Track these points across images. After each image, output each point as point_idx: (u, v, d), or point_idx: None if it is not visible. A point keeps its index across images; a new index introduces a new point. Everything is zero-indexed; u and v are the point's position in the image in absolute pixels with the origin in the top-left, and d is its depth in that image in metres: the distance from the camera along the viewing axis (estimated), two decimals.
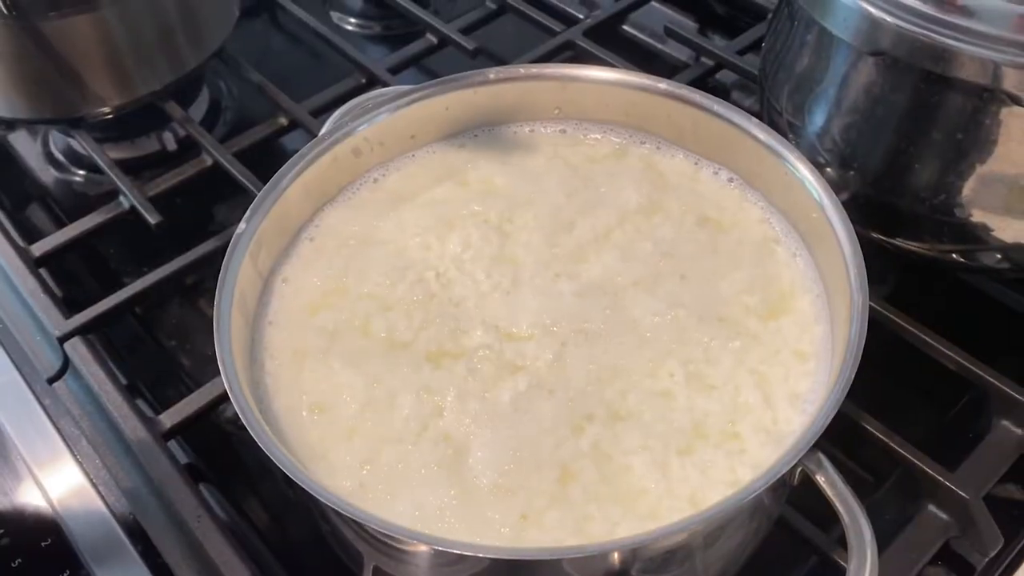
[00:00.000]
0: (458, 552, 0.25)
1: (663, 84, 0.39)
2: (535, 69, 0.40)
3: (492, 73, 0.40)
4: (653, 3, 0.71)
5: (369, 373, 0.33)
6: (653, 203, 0.38)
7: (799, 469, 0.30)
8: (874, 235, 0.48)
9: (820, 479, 0.29)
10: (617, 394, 0.32)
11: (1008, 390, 0.44)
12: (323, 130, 0.38)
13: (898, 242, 0.48)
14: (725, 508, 0.26)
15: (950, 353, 0.46)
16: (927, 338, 0.46)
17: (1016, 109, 0.39)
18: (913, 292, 0.50)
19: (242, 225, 0.33)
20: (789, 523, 0.37)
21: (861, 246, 0.38)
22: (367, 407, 0.32)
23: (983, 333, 0.47)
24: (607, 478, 0.30)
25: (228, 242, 0.51)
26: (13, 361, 0.48)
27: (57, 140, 0.68)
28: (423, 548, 0.29)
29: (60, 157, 0.67)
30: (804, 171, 0.35)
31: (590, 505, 0.29)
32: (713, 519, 0.26)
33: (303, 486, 0.26)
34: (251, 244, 0.33)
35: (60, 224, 0.57)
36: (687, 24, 0.70)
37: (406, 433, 0.31)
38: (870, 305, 0.44)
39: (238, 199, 0.55)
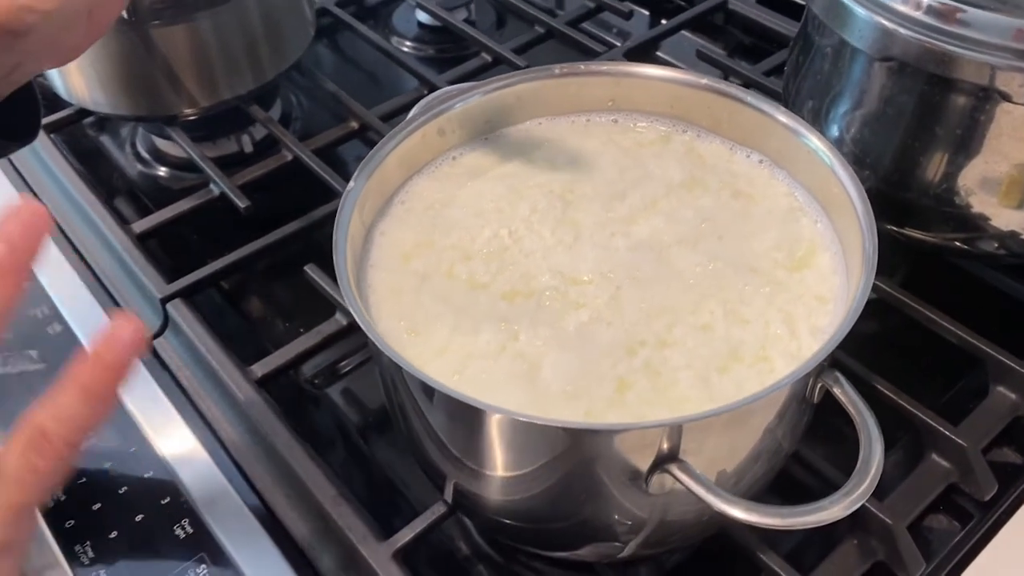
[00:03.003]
0: (540, 423, 0.31)
1: (704, 79, 0.45)
2: (593, 66, 0.47)
3: (556, 69, 0.47)
4: (684, 32, 0.78)
5: (455, 306, 0.39)
6: (694, 179, 0.44)
7: (820, 385, 0.36)
8: (887, 227, 0.54)
9: (837, 391, 0.35)
10: (664, 327, 0.38)
11: (1003, 359, 0.50)
12: (411, 113, 0.45)
13: (908, 232, 0.54)
14: (757, 397, 0.32)
15: (954, 329, 0.51)
16: (934, 316, 0.52)
17: (1007, 106, 0.45)
18: (923, 280, 0.56)
19: (351, 184, 0.40)
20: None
21: (883, 240, 0.44)
22: (455, 331, 0.38)
23: (982, 314, 0.52)
24: (657, 389, 0.36)
25: (308, 225, 0.58)
26: None
27: (141, 139, 0.75)
28: (497, 458, 0.35)
29: (145, 155, 0.74)
30: (824, 149, 0.41)
31: (643, 408, 0.35)
32: (744, 408, 0.32)
33: (416, 375, 0.32)
34: (357, 200, 0.40)
35: (147, 212, 0.64)
36: (717, 51, 0.77)
37: (488, 352, 0.37)
38: (886, 288, 0.51)
39: (314, 190, 0.63)
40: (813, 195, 0.43)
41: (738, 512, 0.32)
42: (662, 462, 0.33)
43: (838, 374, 0.35)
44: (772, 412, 0.34)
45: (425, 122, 0.44)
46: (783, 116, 0.43)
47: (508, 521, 0.42)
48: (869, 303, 0.53)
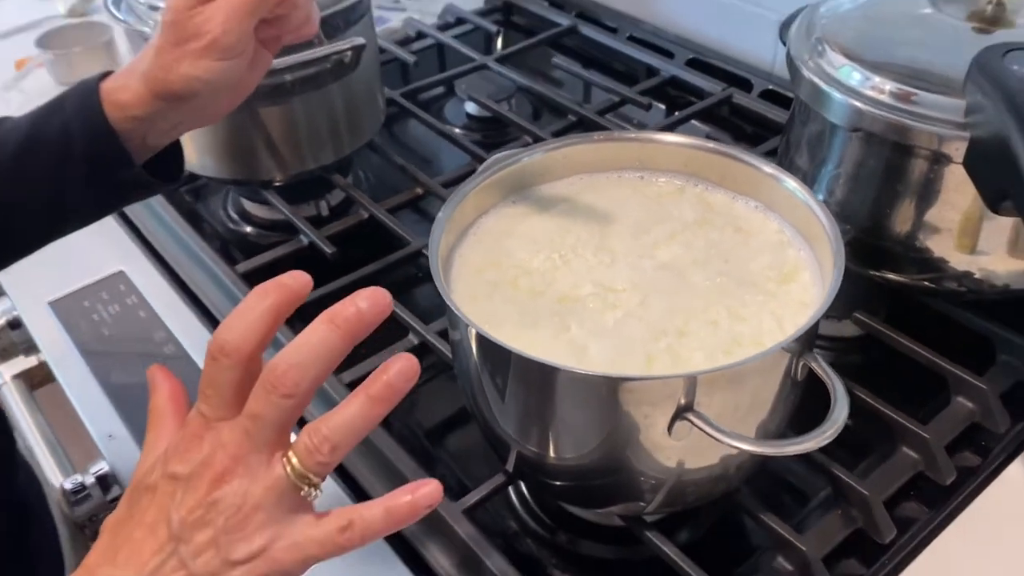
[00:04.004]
0: (592, 374, 0.42)
1: (711, 144, 0.58)
2: (624, 134, 0.60)
3: (595, 135, 0.59)
4: (694, 122, 0.92)
5: (519, 307, 0.50)
6: (704, 219, 0.56)
7: (802, 363, 0.46)
8: (869, 271, 0.65)
9: (814, 366, 0.45)
10: (682, 322, 0.49)
11: (962, 375, 0.60)
12: (481, 167, 0.57)
13: (885, 274, 0.65)
14: (750, 361, 0.43)
15: (923, 353, 0.62)
16: (907, 343, 0.63)
17: (952, 166, 0.57)
18: (899, 316, 0.67)
19: (441, 214, 0.52)
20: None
21: (858, 281, 0.56)
22: (520, 326, 0.49)
23: (946, 341, 0.63)
24: (677, 364, 0.46)
25: (382, 268, 0.70)
26: None
27: (232, 203, 0.88)
28: (556, 413, 0.46)
29: (235, 215, 0.87)
30: (800, 189, 0.53)
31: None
32: (743, 368, 0.43)
33: (498, 342, 0.43)
34: (444, 227, 0.52)
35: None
36: (723, 137, 0.90)
37: (547, 340, 0.48)
38: (869, 323, 0.62)
39: (385, 242, 0.75)
40: (798, 230, 0.54)
41: (741, 444, 0.42)
42: (682, 411, 0.43)
43: (816, 354, 0.46)
44: (765, 375, 0.45)
45: (493, 173, 0.57)
46: (768, 167, 0.55)
47: (558, 483, 0.52)
48: (858, 337, 0.65)
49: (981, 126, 0.54)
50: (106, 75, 0.54)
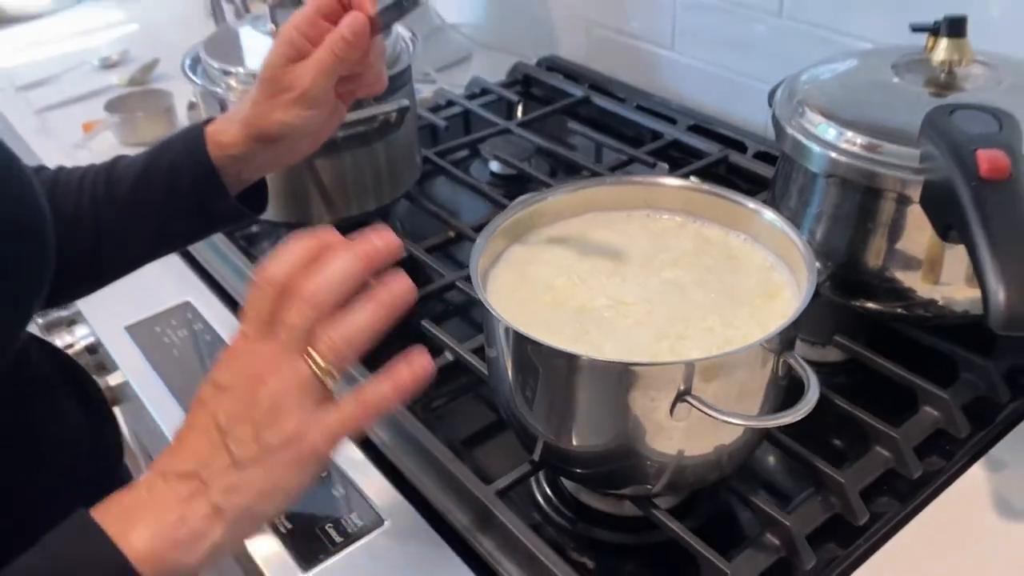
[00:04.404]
0: (606, 360, 0.51)
1: (705, 186, 0.68)
2: (633, 178, 0.70)
3: (608, 180, 0.70)
4: (693, 178, 1.02)
5: (545, 317, 0.60)
6: (701, 249, 0.66)
7: (783, 360, 0.55)
8: (850, 302, 0.75)
9: (792, 362, 0.55)
10: (682, 328, 0.58)
11: (928, 388, 0.69)
12: (511, 205, 0.68)
13: (862, 303, 0.75)
14: (733, 353, 0.52)
15: (895, 370, 0.71)
16: (882, 362, 0.72)
17: (913, 206, 0.67)
18: (876, 340, 0.76)
19: (478, 241, 0.62)
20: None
21: (840, 310, 0.66)
22: (546, 331, 0.58)
23: (916, 361, 0.72)
24: (677, 358, 0.56)
25: (421, 297, 0.80)
26: None
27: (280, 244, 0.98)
28: (577, 399, 0.55)
29: None
30: (777, 220, 0.63)
31: None
32: (726, 360, 0.52)
33: (526, 335, 0.53)
34: (482, 252, 0.61)
35: None
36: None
37: (569, 340, 0.57)
38: (851, 346, 0.71)
39: (423, 276, 0.85)
40: (780, 258, 0.64)
41: (730, 419, 0.51)
42: (682, 395, 0.52)
43: (794, 353, 0.55)
44: (751, 368, 0.54)
45: (521, 209, 0.67)
46: (752, 203, 0.65)
47: (578, 469, 0.61)
48: (841, 361, 0.74)
49: (933, 171, 0.64)
50: (209, 120, 0.65)
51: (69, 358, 0.63)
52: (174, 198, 0.63)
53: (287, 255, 0.45)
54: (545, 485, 0.69)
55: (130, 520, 0.42)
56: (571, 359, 0.53)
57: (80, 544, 0.41)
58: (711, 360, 0.52)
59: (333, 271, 0.44)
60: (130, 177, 0.64)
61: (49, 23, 1.58)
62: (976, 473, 0.67)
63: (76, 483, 0.59)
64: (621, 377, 0.53)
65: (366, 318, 0.44)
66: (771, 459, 0.69)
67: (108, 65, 1.41)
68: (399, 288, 0.45)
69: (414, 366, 0.45)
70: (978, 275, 0.55)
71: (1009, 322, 0.53)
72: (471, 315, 0.85)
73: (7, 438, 0.54)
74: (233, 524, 0.43)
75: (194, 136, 0.64)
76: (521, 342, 0.55)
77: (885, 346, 0.74)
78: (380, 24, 0.61)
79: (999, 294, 0.54)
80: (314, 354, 0.44)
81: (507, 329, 0.56)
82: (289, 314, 0.44)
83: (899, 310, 0.74)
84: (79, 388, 0.61)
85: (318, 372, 0.44)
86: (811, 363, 0.75)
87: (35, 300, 0.52)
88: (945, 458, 0.68)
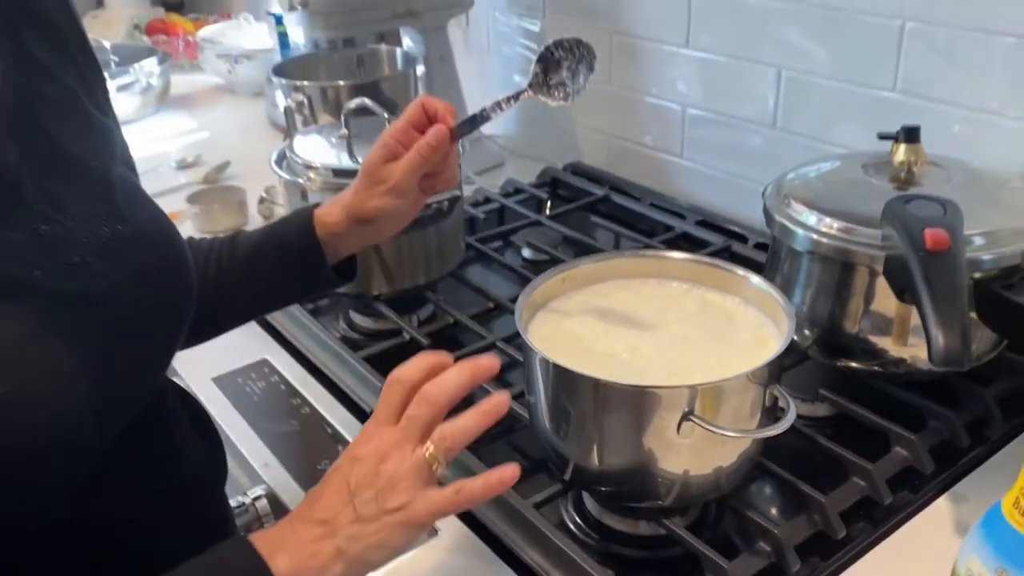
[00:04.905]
0: (625, 384, 0.65)
1: (707, 259, 0.83)
2: (647, 252, 0.85)
3: (626, 254, 0.85)
4: None
5: (574, 359, 0.73)
6: (703, 310, 0.80)
7: (769, 391, 0.69)
8: (835, 362, 0.88)
9: (776, 392, 0.68)
10: (686, 368, 0.72)
11: (898, 431, 0.82)
12: (544, 274, 0.82)
13: (845, 363, 0.88)
14: (728, 379, 0.65)
15: (872, 417, 0.84)
16: (859, 410, 0.85)
17: (881, 278, 0.81)
18: (856, 393, 0.89)
19: (520, 298, 0.76)
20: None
21: (825, 369, 0.80)
22: (579, 361, 0.72)
23: (889, 411, 0.85)
24: None
25: (462, 356, 0.94)
26: None
27: (342, 316, 1.13)
28: (601, 420, 0.68)
29: (344, 325, 1.12)
30: (763, 284, 0.77)
31: None
32: (723, 384, 0.65)
33: (557, 362, 0.66)
34: (522, 310, 0.76)
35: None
36: None
37: (598, 371, 0.71)
38: (837, 400, 0.84)
39: (467, 340, 0.99)
40: (768, 316, 0.78)
41: (727, 432, 0.64)
42: (687, 415, 0.65)
43: (778, 385, 0.69)
44: (742, 395, 0.67)
45: (554, 275, 0.82)
46: (741, 271, 0.80)
47: (602, 487, 0.73)
48: (830, 416, 0.86)
49: (892, 247, 0.78)
50: (316, 205, 0.81)
51: (188, 394, 0.77)
52: (283, 267, 0.79)
53: (416, 364, 0.61)
54: (572, 511, 0.81)
55: (276, 548, 0.56)
56: (596, 383, 0.67)
57: (241, 558, 0.55)
58: (710, 385, 0.66)
59: (449, 380, 0.60)
60: (249, 247, 0.79)
61: (131, 130, 1.78)
62: (941, 505, 0.79)
63: (192, 505, 0.70)
64: (637, 398, 0.66)
65: (471, 422, 0.60)
66: (766, 488, 0.81)
67: (184, 166, 1.60)
68: (497, 401, 0.61)
69: (504, 475, 0.60)
70: (923, 325, 0.69)
71: (946, 360, 0.67)
72: (509, 377, 0.98)
73: (148, 464, 0.65)
74: (350, 564, 0.57)
75: (305, 216, 0.80)
76: (556, 372, 0.69)
77: (864, 399, 0.87)
78: (457, 134, 0.78)
79: (939, 339, 0.67)
80: (428, 444, 0.58)
81: (544, 361, 0.69)
82: (412, 409, 0.59)
83: (875, 368, 0.87)
84: (198, 420, 0.75)
85: (429, 458, 0.58)
86: (802, 416, 0.89)
87: (179, 341, 0.66)
88: (913, 491, 0.79)
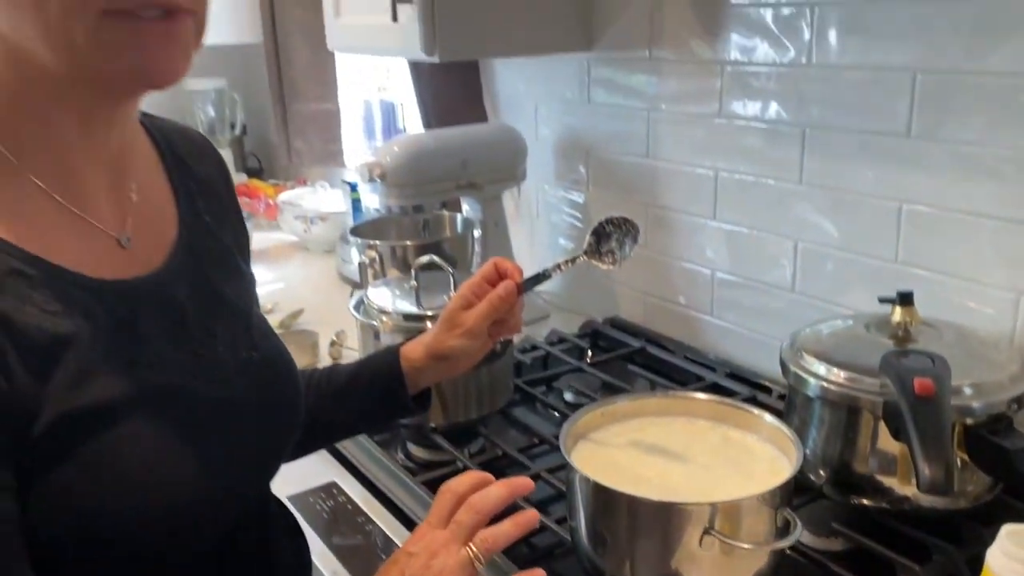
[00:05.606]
0: (656, 500, 0.76)
1: (728, 400, 0.95)
2: (676, 392, 0.98)
3: (658, 392, 0.97)
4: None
5: (612, 481, 0.85)
6: (726, 445, 0.92)
7: (780, 513, 0.79)
8: (849, 500, 0.98)
9: (787, 515, 0.78)
10: (710, 488, 0.83)
11: (906, 563, 0.91)
12: (583, 408, 0.95)
13: (856, 499, 0.98)
14: (744, 499, 0.76)
15: (881, 550, 0.93)
16: (872, 545, 0.94)
17: (883, 422, 0.92)
18: (869, 530, 0.98)
19: (564, 427, 0.89)
20: None
21: (838, 506, 0.91)
22: (615, 482, 0.83)
23: (898, 544, 0.94)
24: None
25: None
26: None
27: (400, 447, 1.25)
28: (634, 533, 0.79)
29: (400, 456, 1.24)
30: (775, 422, 0.89)
31: None
32: (740, 503, 0.76)
33: (601, 483, 0.78)
34: (566, 435, 0.88)
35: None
36: None
37: (632, 490, 0.82)
38: (850, 534, 0.94)
39: (514, 470, 1.11)
40: (781, 450, 0.90)
41: (742, 544, 0.75)
42: (707, 529, 0.76)
43: (787, 508, 0.79)
44: (755, 515, 0.78)
45: (593, 410, 0.94)
46: (756, 411, 0.92)
47: None
48: (844, 550, 0.96)
49: (888, 394, 0.90)
50: (402, 343, 0.96)
51: (283, 503, 0.89)
52: (371, 395, 0.93)
53: (464, 479, 0.74)
54: None
55: None
56: (630, 499, 0.78)
57: None
58: (728, 503, 0.77)
59: (492, 494, 0.72)
60: (344, 378, 0.94)
61: None
62: None
63: None
64: (665, 513, 0.77)
65: (509, 528, 0.71)
66: None
67: (264, 312, 1.78)
68: (531, 514, 0.73)
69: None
70: (912, 460, 0.80)
71: (931, 488, 0.77)
72: (551, 508, 1.08)
73: (249, 558, 0.76)
74: None
75: (392, 353, 0.94)
76: (594, 489, 0.81)
77: (875, 533, 0.96)
78: (523, 289, 0.93)
79: (925, 471, 0.78)
80: (472, 545, 0.68)
81: (584, 479, 0.81)
82: (460, 515, 0.70)
83: (884, 504, 0.96)
84: (291, 526, 0.87)
85: (472, 557, 0.68)
86: (817, 550, 0.98)
87: (287, 451, 0.79)
88: None
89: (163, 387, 0.63)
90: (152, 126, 0.75)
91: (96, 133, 0.63)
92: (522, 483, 0.74)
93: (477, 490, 0.72)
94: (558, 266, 0.95)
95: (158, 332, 0.65)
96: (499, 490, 0.72)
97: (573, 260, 0.95)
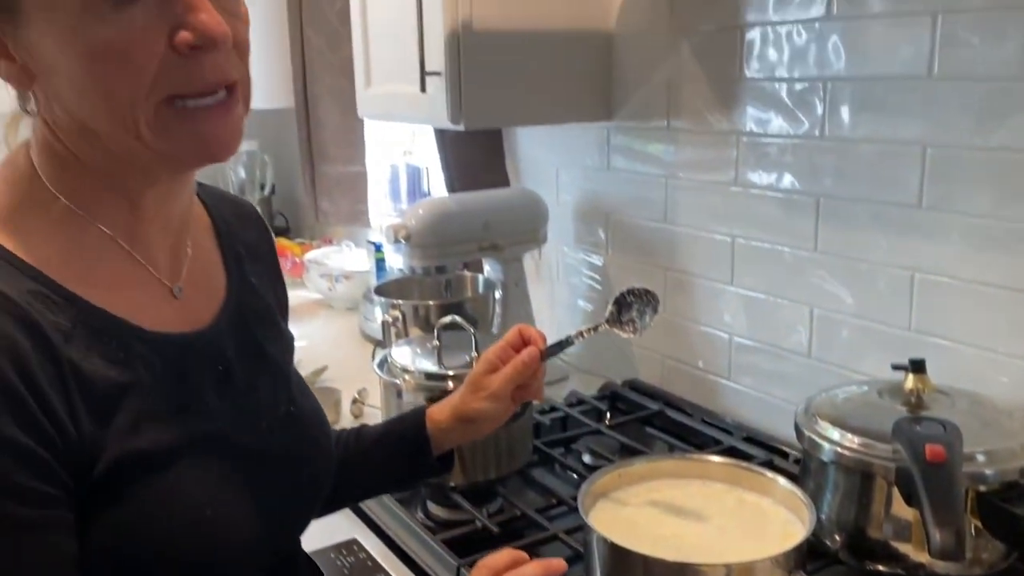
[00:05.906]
0: (671, 560, 0.77)
1: (743, 464, 0.97)
2: (692, 455, 0.99)
3: (675, 455, 0.99)
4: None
5: (629, 541, 0.87)
6: (740, 508, 0.94)
7: (792, 574, 0.80)
8: (864, 566, 0.99)
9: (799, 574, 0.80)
10: (723, 549, 0.85)
11: None
12: (602, 469, 0.97)
13: (872, 565, 0.99)
14: (758, 561, 0.78)
15: None
16: None
17: (896, 488, 0.94)
18: None
19: (583, 487, 0.91)
20: None
21: (853, 571, 0.92)
22: (631, 541, 0.85)
23: None
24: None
25: (532, 543, 1.07)
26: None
27: (420, 506, 1.27)
28: None
29: (420, 514, 1.26)
30: (790, 486, 0.91)
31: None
32: (753, 565, 0.78)
33: (617, 544, 0.80)
34: (584, 495, 0.90)
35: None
36: None
37: (647, 550, 0.84)
38: None
39: (544, 528, 1.12)
40: (795, 514, 0.91)
41: None
42: None
43: (800, 571, 0.81)
44: (771, 575, 0.79)
45: (610, 471, 0.96)
46: (770, 474, 0.93)
47: None
48: None
49: (901, 460, 0.92)
50: (429, 404, 0.99)
51: (310, 557, 0.91)
52: (398, 455, 0.96)
53: (501, 557, 0.77)
54: None
55: None
56: (645, 560, 0.80)
57: None
58: (741, 565, 0.78)
59: (526, 572, 0.75)
60: (371, 438, 0.97)
61: None
62: None
63: None
64: (681, 574, 0.79)
65: None
66: None
67: None
68: (559, 563, 0.77)
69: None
70: (923, 525, 0.81)
71: (942, 553, 0.78)
72: (569, 570, 1.09)
73: None
74: None
75: (419, 414, 0.97)
76: (611, 549, 0.82)
77: None
78: (546, 355, 0.96)
79: (936, 536, 0.79)
80: None
81: (601, 539, 0.83)
82: None
83: (899, 571, 0.97)
84: (312, 572, 0.90)
85: None
86: None
87: (319, 504, 0.82)
88: None
89: (209, 434, 0.67)
90: (204, 193, 0.81)
91: (166, 201, 0.69)
92: (556, 564, 0.77)
93: (512, 568, 0.75)
94: (580, 333, 0.99)
95: (206, 384, 0.69)
96: (534, 569, 0.75)
97: (595, 328, 0.98)
